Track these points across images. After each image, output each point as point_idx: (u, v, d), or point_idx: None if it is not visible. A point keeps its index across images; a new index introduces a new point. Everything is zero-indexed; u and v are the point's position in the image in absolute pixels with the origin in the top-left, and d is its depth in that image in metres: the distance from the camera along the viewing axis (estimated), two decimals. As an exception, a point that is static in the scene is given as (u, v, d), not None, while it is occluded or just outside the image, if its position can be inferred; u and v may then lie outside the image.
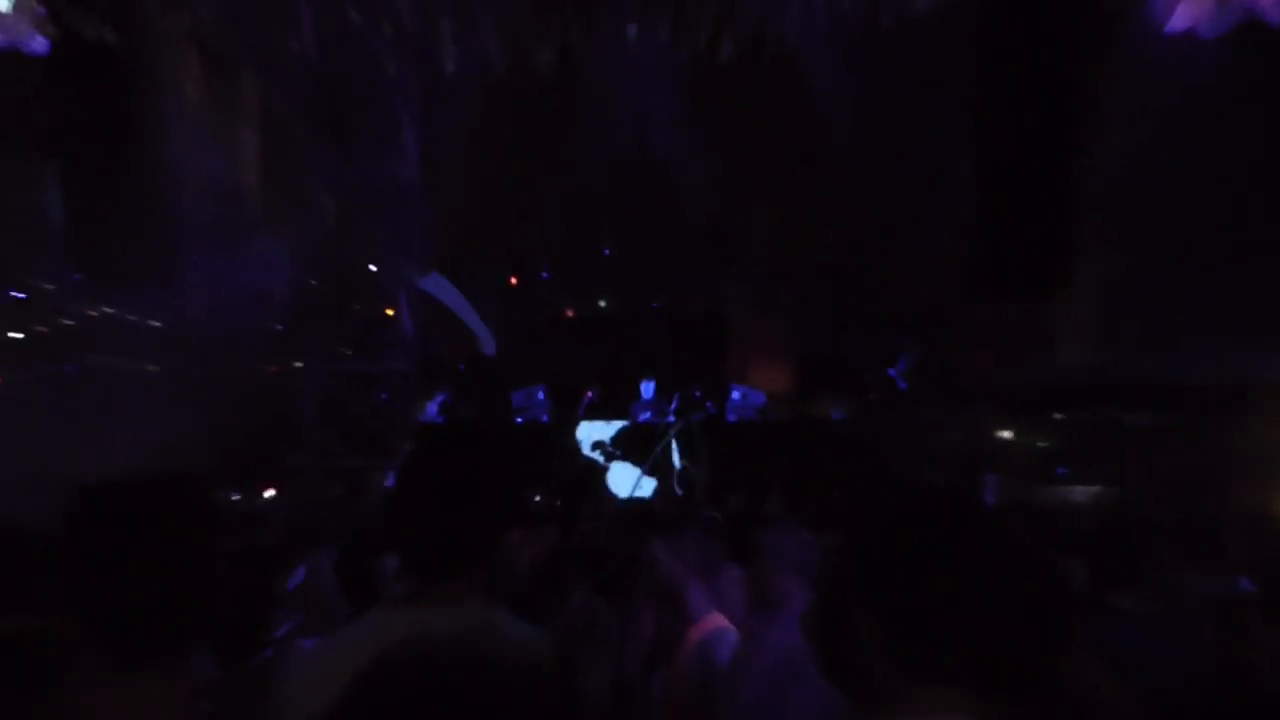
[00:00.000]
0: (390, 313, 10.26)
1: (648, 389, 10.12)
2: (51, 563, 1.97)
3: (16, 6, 8.58)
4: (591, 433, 9.66)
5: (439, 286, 10.75)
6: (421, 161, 10.22)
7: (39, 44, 8.04)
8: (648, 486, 9.31)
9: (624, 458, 9.49)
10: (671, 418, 9.65)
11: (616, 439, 9.60)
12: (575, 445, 9.61)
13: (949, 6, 8.60)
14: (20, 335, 8.67)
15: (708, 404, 9.95)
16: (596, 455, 9.53)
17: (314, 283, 9.52)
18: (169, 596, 1.92)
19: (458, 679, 1.41)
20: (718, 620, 3.26)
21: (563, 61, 8.89)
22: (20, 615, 2.49)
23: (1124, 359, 9.09)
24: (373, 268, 10.07)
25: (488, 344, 11.32)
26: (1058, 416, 9.45)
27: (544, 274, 11.81)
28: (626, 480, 9.32)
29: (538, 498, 8.36)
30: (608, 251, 11.71)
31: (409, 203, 10.19)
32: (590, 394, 10.61)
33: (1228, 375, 8.41)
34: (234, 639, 3.20)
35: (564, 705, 2.29)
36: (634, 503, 8.86)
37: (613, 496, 9.28)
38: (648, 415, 9.82)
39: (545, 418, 10.19)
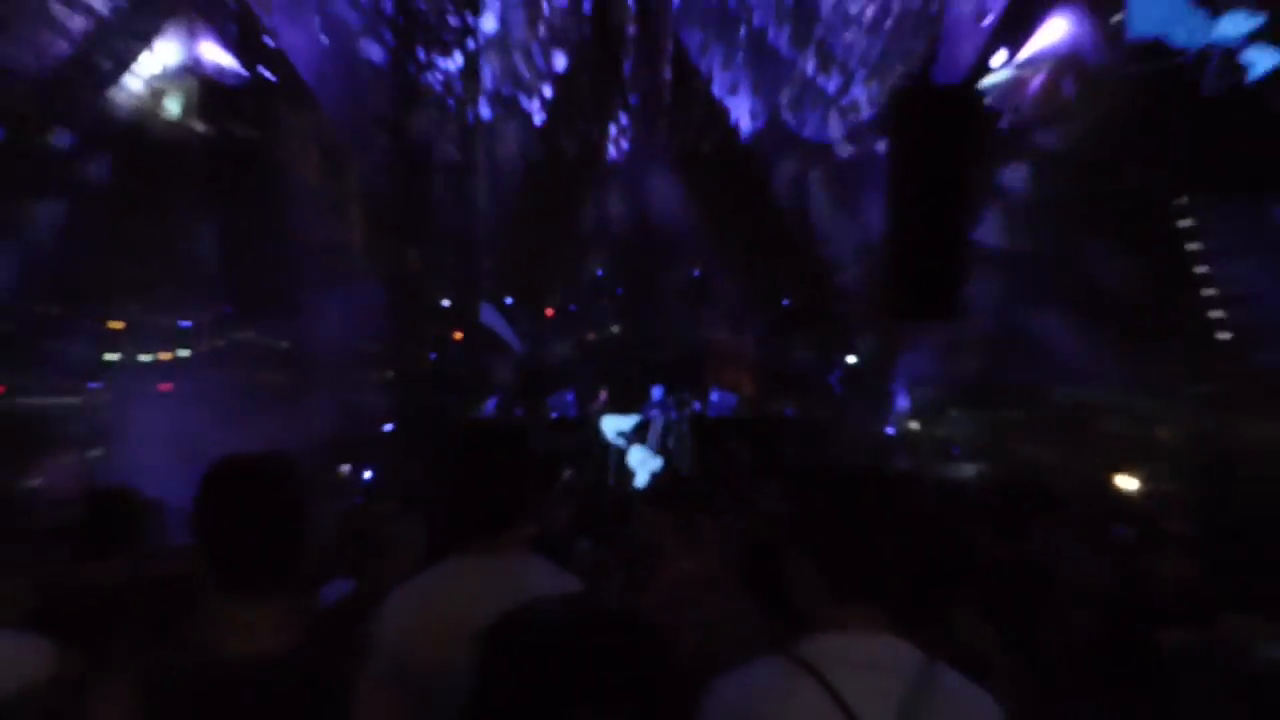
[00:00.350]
0: (458, 336, 10.65)
1: (657, 392, 10.47)
2: (192, 520, 1.83)
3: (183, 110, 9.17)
4: (616, 425, 10.21)
5: (493, 317, 11.11)
6: (481, 222, 10.62)
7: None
8: (655, 464, 9.80)
9: (638, 442, 9.99)
10: (674, 414, 10.19)
11: (634, 430, 10.09)
12: (598, 433, 10.09)
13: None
14: (188, 353, 9.22)
15: (694, 404, 10.44)
16: (620, 441, 10.00)
17: (401, 313, 9.97)
18: (281, 544, 1.85)
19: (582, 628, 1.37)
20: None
21: (586, 150, 9.44)
22: (166, 562, 2.78)
23: (1003, 368, 9.43)
24: (445, 302, 10.51)
25: (529, 359, 11.63)
26: (953, 412, 9.88)
27: (572, 307, 12.15)
28: (640, 459, 9.80)
29: (569, 472, 8.77)
30: (620, 291, 12.05)
31: (472, 253, 10.61)
32: (603, 395, 11.11)
33: (1076, 383, 8.81)
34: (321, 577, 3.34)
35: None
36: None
37: (630, 471, 9.76)
38: (656, 413, 10.35)
39: (574, 414, 10.68)
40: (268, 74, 8.54)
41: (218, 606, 1.82)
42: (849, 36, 9.55)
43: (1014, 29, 8.23)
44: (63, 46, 8.18)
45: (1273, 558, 3.93)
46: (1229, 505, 6.70)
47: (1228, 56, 7.47)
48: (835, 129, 9.59)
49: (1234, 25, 7.62)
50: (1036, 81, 8.16)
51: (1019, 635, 2.63)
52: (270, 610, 1.81)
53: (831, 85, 9.81)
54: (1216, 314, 8.14)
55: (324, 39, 9.06)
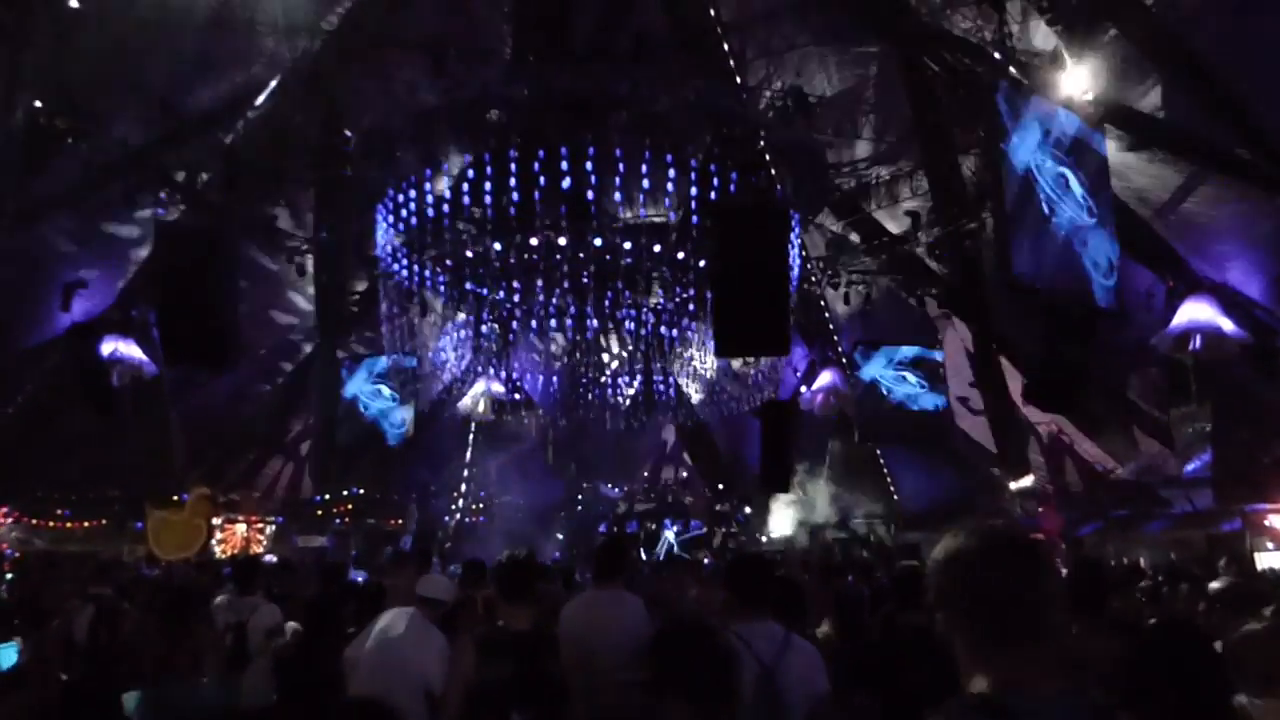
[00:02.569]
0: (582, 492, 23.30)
1: (668, 524, 22.63)
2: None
3: (485, 407, 21.92)
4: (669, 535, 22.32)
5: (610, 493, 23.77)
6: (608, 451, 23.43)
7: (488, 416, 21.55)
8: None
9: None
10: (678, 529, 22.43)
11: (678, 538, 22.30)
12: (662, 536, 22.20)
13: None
14: (483, 507, 22.27)
15: (692, 525, 22.68)
16: (672, 539, 22.15)
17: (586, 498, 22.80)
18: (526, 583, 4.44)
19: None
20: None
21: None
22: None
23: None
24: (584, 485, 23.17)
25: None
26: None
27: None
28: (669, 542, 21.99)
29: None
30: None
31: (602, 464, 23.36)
32: (668, 523, 23.21)
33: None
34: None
35: None
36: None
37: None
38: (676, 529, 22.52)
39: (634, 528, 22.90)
40: (518, 395, 21.28)
41: (503, 607, 4.19)
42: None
43: (811, 376, 20.68)
44: (438, 388, 21.10)
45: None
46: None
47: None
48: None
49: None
50: (820, 397, 20.55)
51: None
52: (523, 610, 4.26)
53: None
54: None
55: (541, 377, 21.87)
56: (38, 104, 13.69)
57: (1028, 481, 20.47)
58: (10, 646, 4.66)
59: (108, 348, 16.61)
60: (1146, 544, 17.81)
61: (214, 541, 21.41)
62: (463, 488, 23.85)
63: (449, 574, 9.30)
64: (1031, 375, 13.63)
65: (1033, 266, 11.83)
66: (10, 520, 19.52)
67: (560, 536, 22.39)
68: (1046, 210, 11.91)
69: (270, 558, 15.72)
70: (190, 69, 15.11)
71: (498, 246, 14.40)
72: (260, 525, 23.58)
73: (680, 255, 15.17)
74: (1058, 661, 1.89)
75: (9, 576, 12.40)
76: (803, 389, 20.69)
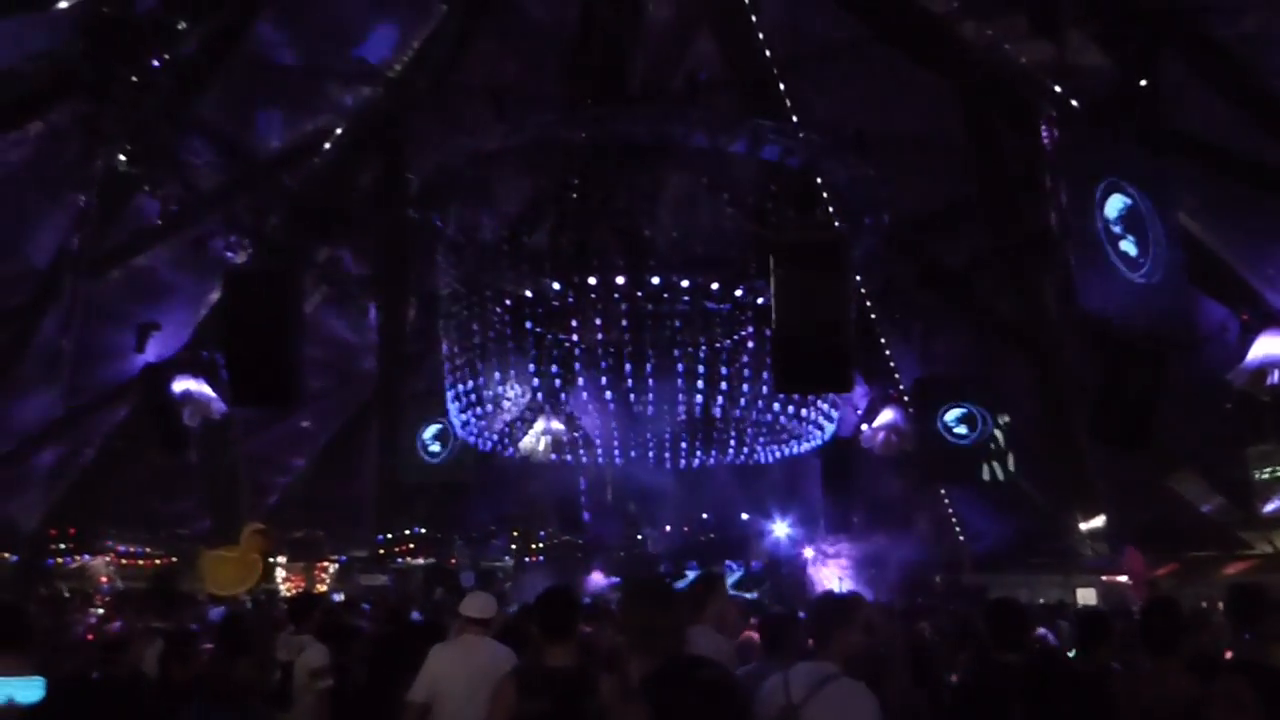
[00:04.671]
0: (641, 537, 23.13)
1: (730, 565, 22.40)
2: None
3: (544, 446, 22.03)
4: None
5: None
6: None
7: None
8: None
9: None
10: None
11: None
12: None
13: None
14: (541, 548, 22.30)
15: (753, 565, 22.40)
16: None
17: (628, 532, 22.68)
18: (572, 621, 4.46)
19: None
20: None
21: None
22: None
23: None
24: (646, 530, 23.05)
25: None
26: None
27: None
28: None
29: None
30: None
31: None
32: (730, 564, 22.96)
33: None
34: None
35: None
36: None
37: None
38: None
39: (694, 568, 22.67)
40: (576, 433, 21.37)
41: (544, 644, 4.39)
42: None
43: (871, 414, 20.42)
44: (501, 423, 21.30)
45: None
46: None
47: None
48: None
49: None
50: (881, 435, 20.24)
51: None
52: (564, 647, 4.30)
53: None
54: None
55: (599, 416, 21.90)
56: (117, 156, 14.19)
57: (1098, 522, 19.93)
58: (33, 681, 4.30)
59: (179, 387, 16.99)
60: (1225, 585, 17.13)
61: (279, 580, 21.66)
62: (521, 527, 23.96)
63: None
64: (1098, 411, 13.25)
65: (1099, 299, 11.56)
66: (112, 555, 19.99)
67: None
68: (1112, 241, 11.64)
69: (337, 596, 15.86)
70: (260, 116, 15.58)
71: (556, 286, 14.47)
72: (324, 564, 23.88)
73: (739, 292, 15.11)
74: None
75: (99, 612, 12.70)
76: (863, 427, 20.38)
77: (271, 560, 21.28)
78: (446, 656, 5.26)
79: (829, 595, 5.30)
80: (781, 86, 17.12)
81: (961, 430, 17.82)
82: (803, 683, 3.90)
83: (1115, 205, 11.69)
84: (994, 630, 5.18)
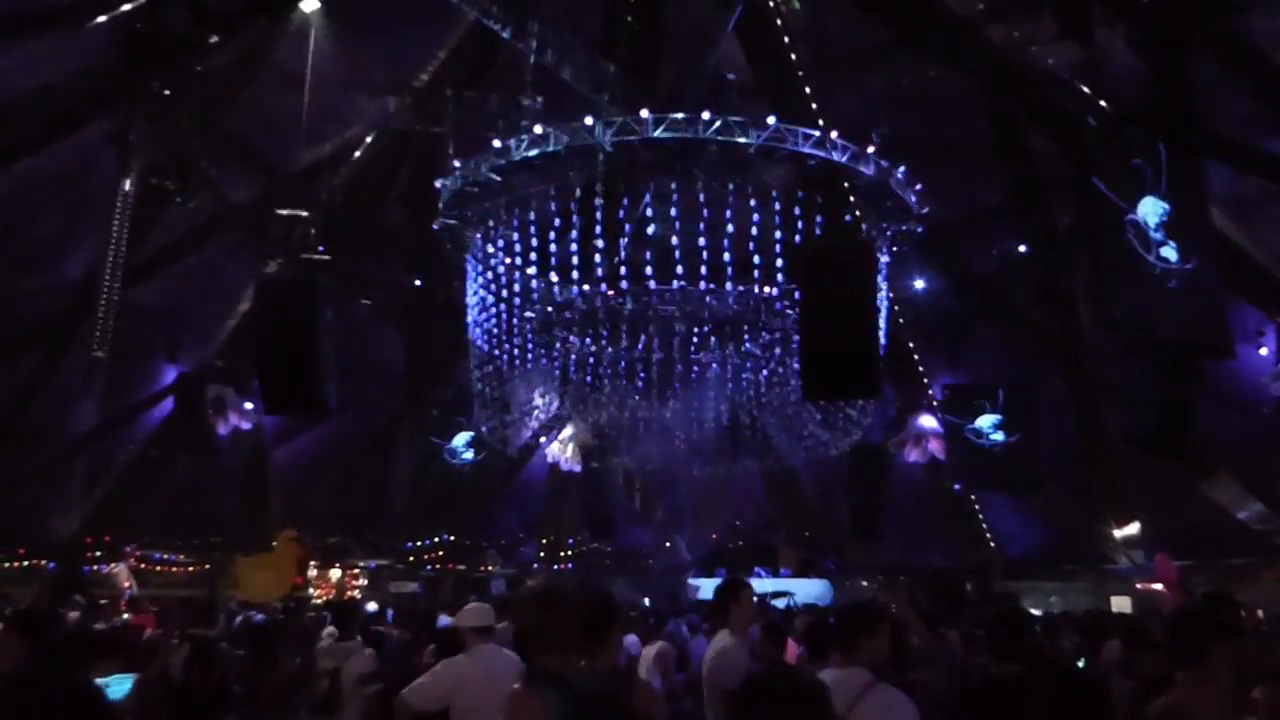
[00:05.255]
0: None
1: (758, 572, 22.13)
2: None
3: (573, 453, 22.03)
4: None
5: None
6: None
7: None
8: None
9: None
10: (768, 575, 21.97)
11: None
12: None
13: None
14: (570, 554, 22.32)
15: (782, 573, 22.26)
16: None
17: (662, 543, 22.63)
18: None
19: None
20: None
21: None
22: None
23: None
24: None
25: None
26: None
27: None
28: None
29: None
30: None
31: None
32: (758, 571, 22.72)
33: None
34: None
35: None
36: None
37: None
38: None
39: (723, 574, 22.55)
40: (604, 440, 21.36)
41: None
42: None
43: (901, 420, 20.29)
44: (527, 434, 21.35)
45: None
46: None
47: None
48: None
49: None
50: (911, 441, 20.10)
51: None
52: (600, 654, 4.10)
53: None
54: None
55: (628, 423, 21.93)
56: (149, 168, 14.40)
57: (1133, 529, 19.67)
58: (127, 679, 5.07)
59: (211, 395, 17.18)
60: (1266, 593, 16.82)
61: (310, 587, 21.78)
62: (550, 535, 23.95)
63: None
64: (1134, 418, 13.07)
65: (1134, 307, 11.41)
66: (132, 561, 20.18)
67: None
68: (1146, 248, 11.46)
69: (371, 606, 15.94)
70: (290, 129, 15.70)
71: (585, 288, 14.50)
72: (355, 571, 23.95)
73: (766, 298, 15.08)
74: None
75: (125, 617, 12.83)
76: (894, 433, 20.30)
77: (305, 567, 21.58)
78: (456, 668, 5.19)
79: (857, 604, 5.21)
80: (807, 90, 17.04)
81: (997, 437, 17.61)
82: (842, 691, 3.82)
83: (1147, 209, 11.53)
84: (992, 642, 5.03)
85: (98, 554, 19.95)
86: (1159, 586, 17.21)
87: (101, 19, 13.40)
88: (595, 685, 4.04)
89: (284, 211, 15.20)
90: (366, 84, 16.68)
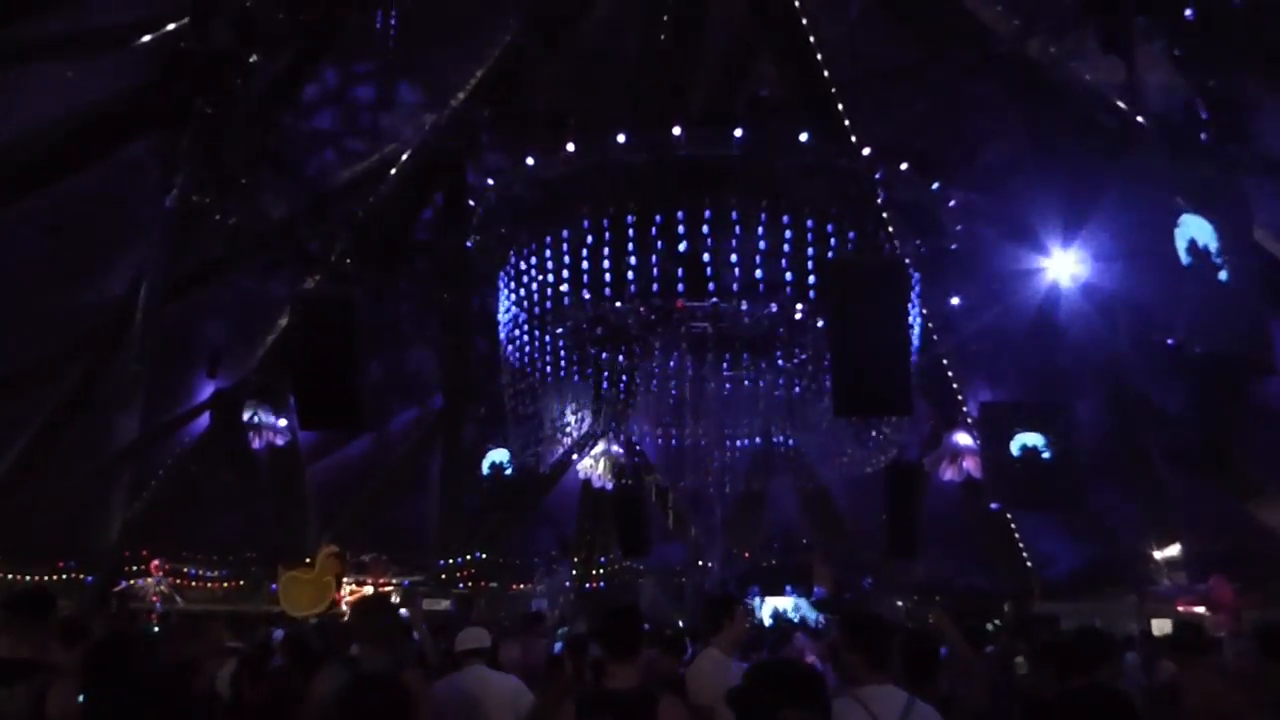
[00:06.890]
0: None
1: (789, 590, 21.96)
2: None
3: (605, 470, 21.99)
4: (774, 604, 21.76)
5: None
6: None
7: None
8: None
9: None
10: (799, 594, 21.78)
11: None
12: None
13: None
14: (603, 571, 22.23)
15: (815, 591, 22.09)
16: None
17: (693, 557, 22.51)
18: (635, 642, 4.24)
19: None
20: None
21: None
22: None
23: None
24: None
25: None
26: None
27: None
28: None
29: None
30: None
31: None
32: (789, 589, 22.50)
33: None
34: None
35: None
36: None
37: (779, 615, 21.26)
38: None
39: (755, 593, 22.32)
40: (636, 457, 21.29)
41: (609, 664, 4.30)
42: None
43: (936, 437, 20.10)
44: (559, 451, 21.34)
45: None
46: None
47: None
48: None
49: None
50: (946, 459, 19.89)
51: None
52: (628, 668, 4.18)
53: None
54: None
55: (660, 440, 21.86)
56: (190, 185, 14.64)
57: (1174, 550, 19.32)
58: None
59: (248, 412, 17.38)
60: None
61: (344, 602, 21.85)
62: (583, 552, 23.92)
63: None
64: (1177, 437, 12.90)
65: (1176, 321, 11.25)
66: (161, 575, 20.36)
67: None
68: (1189, 263, 11.30)
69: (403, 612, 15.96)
70: (328, 145, 15.99)
71: (618, 304, 14.54)
72: (389, 587, 24.01)
73: (798, 315, 15.03)
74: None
75: (156, 630, 12.95)
76: (929, 452, 20.10)
77: (341, 584, 21.66)
78: (447, 689, 5.33)
79: (874, 615, 5.25)
80: (840, 106, 17.05)
81: (1037, 456, 17.34)
82: (884, 709, 3.84)
83: (1190, 225, 11.38)
84: (1068, 658, 5.04)
85: (135, 568, 20.16)
86: (1201, 609, 16.93)
87: (147, 38, 13.71)
88: (634, 697, 4.13)
89: (322, 228, 15.43)
90: (404, 101, 16.91)
